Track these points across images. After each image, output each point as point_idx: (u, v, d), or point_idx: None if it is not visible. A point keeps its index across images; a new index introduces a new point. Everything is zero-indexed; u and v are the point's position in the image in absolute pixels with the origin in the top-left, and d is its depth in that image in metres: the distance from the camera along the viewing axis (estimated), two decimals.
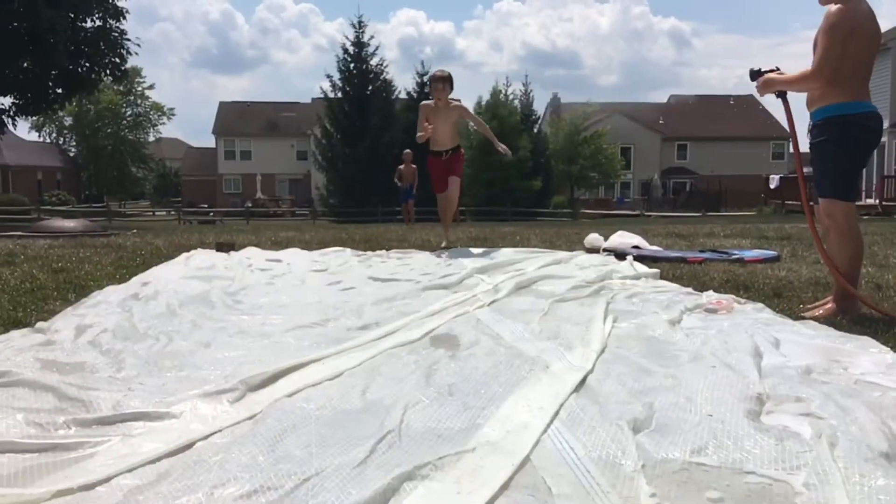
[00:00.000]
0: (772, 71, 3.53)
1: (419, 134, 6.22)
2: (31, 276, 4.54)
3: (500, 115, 32.98)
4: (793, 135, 3.63)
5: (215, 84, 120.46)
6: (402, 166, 14.40)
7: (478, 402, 1.96)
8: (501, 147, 6.37)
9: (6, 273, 4.68)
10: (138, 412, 1.84)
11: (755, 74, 3.58)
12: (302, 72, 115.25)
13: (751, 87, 3.66)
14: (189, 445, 1.64)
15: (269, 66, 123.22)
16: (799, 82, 3.38)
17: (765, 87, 3.49)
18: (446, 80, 6.29)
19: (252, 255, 5.71)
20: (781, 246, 6.79)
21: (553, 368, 2.29)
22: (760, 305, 3.47)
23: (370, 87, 32.65)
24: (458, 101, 6.44)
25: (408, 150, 14.63)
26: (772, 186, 24.95)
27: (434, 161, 6.51)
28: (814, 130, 3.39)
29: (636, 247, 6.20)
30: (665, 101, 53.14)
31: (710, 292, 3.83)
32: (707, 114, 47.22)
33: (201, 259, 5.43)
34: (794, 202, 19.76)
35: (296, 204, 39.30)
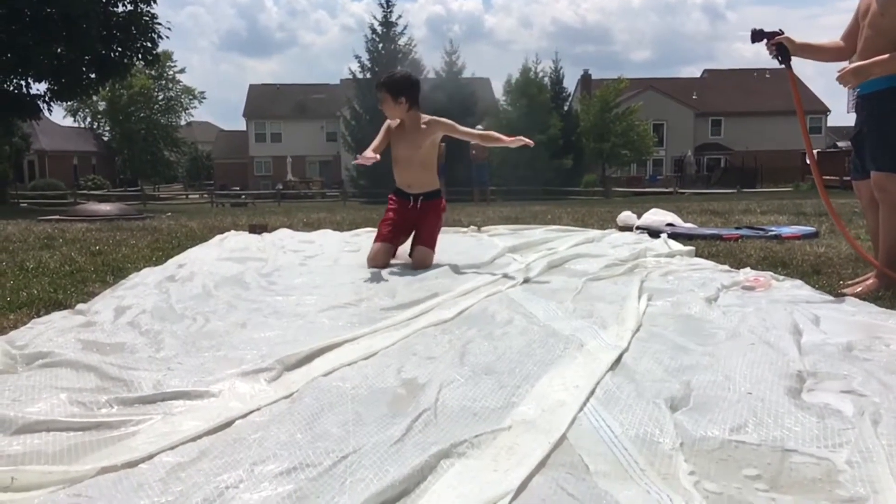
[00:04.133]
0: (776, 34, 3.36)
1: (357, 157, 4.14)
2: (70, 259, 4.62)
3: (529, 94, 32.81)
4: (798, 106, 3.52)
5: (245, 67, 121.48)
6: None
7: (513, 380, 1.96)
8: (512, 139, 4.11)
9: (46, 256, 4.78)
10: (178, 391, 1.87)
11: (759, 35, 3.37)
12: (330, 53, 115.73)
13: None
14: (228, 423, 1.66)
15: (297, 47, 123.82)
16: None
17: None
18: (381, 87, 4.24)
19: (284, 237, 5.76)
20: (820, 222, 6.66)
21: (588, 347, 2.27)
22: (799, 282, 3.41)
23: (398, 68, 32.56)
24: (433, 117, 4.30)
25: None
26: (808, 161, 24.53)
27: (398, 205, 4.39)
28: (866, 102, 3.27)
29: (670, 224, 6.13)
30: (699, 75, 52.28)
31: (748, 269, 3.78)
32: (742, 88, 46.35)
33: (235, 241, 5.50)
34: (833, 177, 19.37)
35: (326, 185, 39.47)
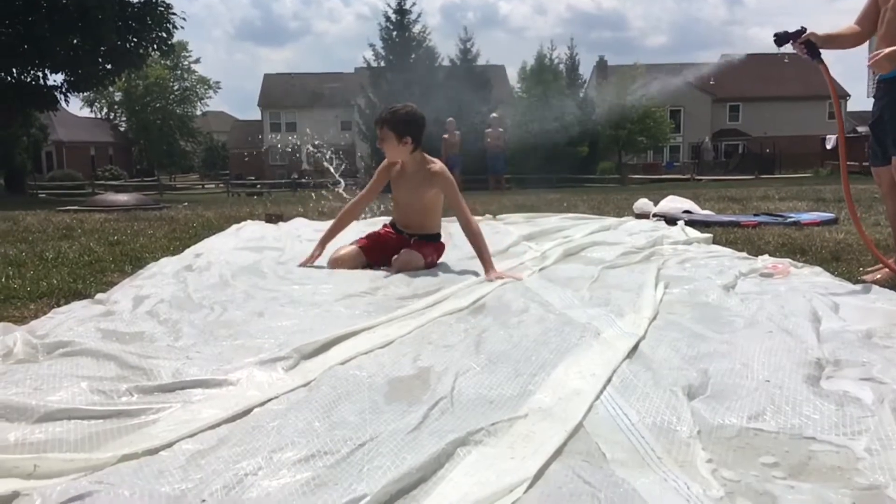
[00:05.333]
0: (800, 33, 3.24)
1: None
2: (88, 250, 4.67)
3: (545, 81, 32.59)
4: (835, 99, 3.46)
5: (259, 56, 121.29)
6: (445, 136, 14.31)
7: (528, 368, 1.96)
8: (495, 274, 3.34)
9: (65, 247, 4.82)
10: (197, 380, 1.88)
11: (784, 38, 3.24)
12: (345, 41, 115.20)
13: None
14: (247, 411, 1.68)
15: (311, 36, 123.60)
16: None
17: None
18: (383, 124, 3.70)
19: (300, 226, 5.78)
20: (839, 208, 6.59)
21: (604, 335, 2.27)
22: (818, 269, 3.39)
23: (413, 56, 32.51)
24: (440, 166, 3.74)
25: (451, 119, 14.58)
26: (828, 147, 24.32)
27: (392, 235, 3.95)
28: (889, 86, 3.20)
29: (687, 211, 6.10)
30: (716, 61, 51.69)
31: (766, 256, 3.76)
32: (760, 73, 45.79)
33: (251, 230, 5.52)
34: (852, 162, 19.15)
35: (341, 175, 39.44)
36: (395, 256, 3.66)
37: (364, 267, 3.73)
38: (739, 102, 45.80)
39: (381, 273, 3.54)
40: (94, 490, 1.27)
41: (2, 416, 1.63)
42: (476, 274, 3.43)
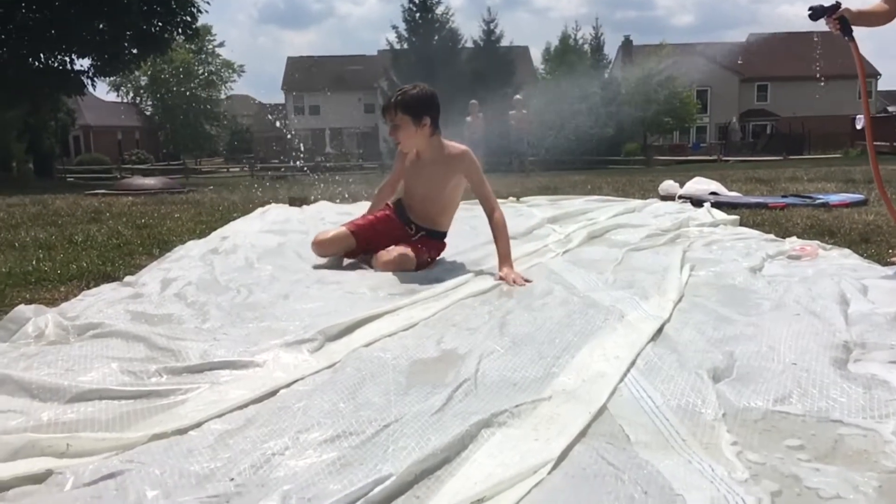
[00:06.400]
0: (836, 7, 3.10)
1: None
2: (116, 233, 4.73)
3: (569, 62, 32.28)
4: (862, 79, 3.40)
5: (283, 39, 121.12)
6: (468, 118, 14.25)
7: (552, 351, 1.96)
8: (504, 273, 2.96)
9: (94, 230, 4.90)
10: (224, 361, 1.91)
11: (820, 12, 3.11)
12: (368, 23, 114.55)
13: None
14: (273, 392, 1.70)
15: (334, 18, 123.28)
16: None
17: None
18: (395, 109, 3.24)
19: (324, 209, 5.81)
20: (869, 189, 6.49)
21: (629, 318, 2.26)
22: (847, 251, 3.35)
23: (436, 37, 32.34)
24: (464, 149, 3.36)
25: (474, 101, 14.50)
26: (858, 127, 23.83)
27: (393, 217, 3.51)
28: None
29: (714, 193, 6.04)
30: (744, 40, 50.82)
31: (794, 238, 3.72)
32: (789, 52, 44.95)
33: (276, 213, 5.56)
34: (883, 143, 18.78)
35: (363, 157, 39.49)
36: (383, 252, 3.26)
37: (351, 252, 3.44)
38: (767, 82, 45.01)
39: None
40: (125, 469, 1.30)
41: (35, 396, 1.66)
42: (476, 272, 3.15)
